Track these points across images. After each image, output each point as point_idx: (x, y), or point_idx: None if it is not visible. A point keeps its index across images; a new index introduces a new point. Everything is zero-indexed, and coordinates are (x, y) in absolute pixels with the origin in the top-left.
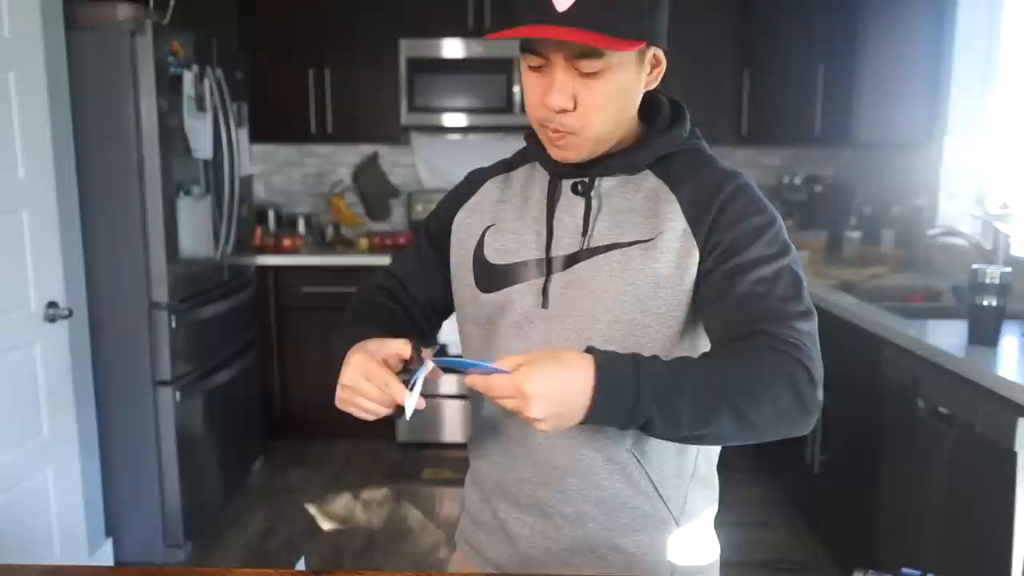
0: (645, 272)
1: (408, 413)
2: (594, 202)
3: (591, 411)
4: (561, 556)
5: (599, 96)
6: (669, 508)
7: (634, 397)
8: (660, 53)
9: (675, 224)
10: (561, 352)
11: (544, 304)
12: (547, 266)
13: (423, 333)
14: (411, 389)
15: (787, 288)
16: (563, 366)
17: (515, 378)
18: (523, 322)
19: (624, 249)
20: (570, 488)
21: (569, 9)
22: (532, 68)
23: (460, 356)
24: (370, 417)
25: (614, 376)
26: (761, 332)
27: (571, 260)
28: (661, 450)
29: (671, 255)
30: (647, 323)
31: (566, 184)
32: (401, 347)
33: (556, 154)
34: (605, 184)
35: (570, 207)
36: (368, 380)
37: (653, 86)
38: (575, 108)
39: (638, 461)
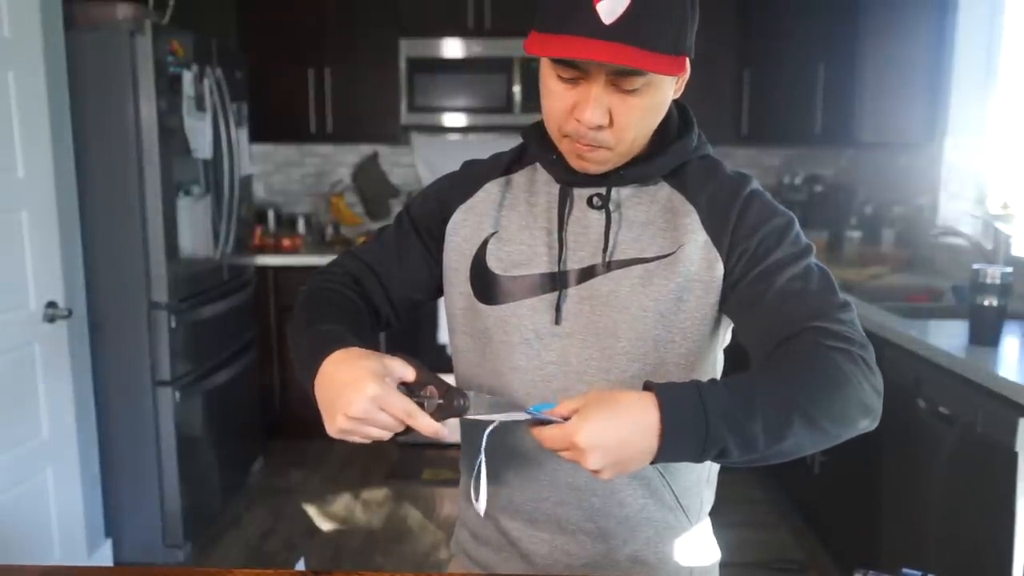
0: (668, 287)
1: (482, 506)
2: (614, 215)
3: (659, 453)
4: (581, 570)
5: (636, 112)
6: (688, 516)
7: (704, 431)
8: (687, 62)
9: (696, 236)
10: (618, 395)
11: (557, 320)
12: (560, 280)
13: (388, 326)
14: (478, 470)
15: (820, 282)
16: (619, 412)
17: (566, 429)
18: (533, 339)
19: (647, 264)
20: (593, 506)
21: (617, 22)
22: (563, 79)
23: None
24: (368, 441)
25: (680, 414)
26: (809, 329)
27: (586, 274)
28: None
29: (694, 268)
30: (671, 338)
31: (578, 194)
32: (403, 371)
33: (579, 165)
34: (620, 195)
35: (583, 218)
36: (384, 411)
37: (679, 95)
38: (610, 124)
39: (662, 475)
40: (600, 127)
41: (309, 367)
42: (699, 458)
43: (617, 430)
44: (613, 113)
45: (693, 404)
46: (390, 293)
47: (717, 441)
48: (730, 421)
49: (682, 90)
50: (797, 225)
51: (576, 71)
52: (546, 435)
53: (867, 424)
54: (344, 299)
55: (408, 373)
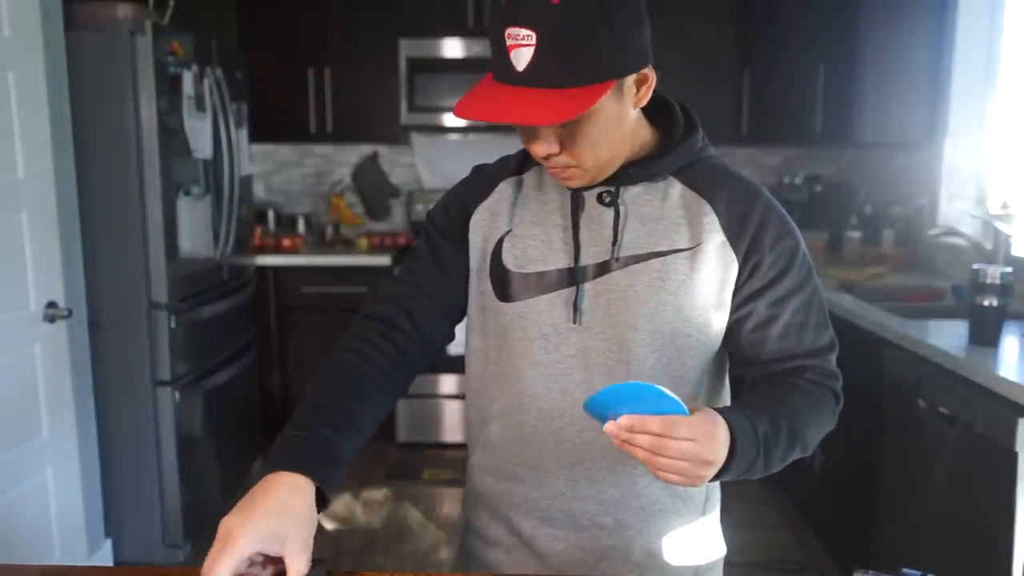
0: (687, 282)
1: None
2: (621, 210)
3: (723, 469)
4: (596, 566)
5: (583, 137)
6: (699, 508)
7: (753, 459)
8: (646, 71)
9: (714, 236)
10: (715, 415)
11: (574, 316)
12: (576, 276)
13: (447, 341)
14: None
15: (818, 315)
16: (722, 420)
17: (705, 424)
18: (551, 333)
19: (664, 258)
20: (610, 499)
21: (526, 69)
22: None
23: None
24: None
25: (744, 439)
26: (806, 368)
27: (601, 270)
28: None
29: (711, 265)
30: (688, 332)
31: (588, 192)
32: (290, 561)
33: (563, 184)
34: (629, 192)
35: (595, 216)
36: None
37: (644, 102)
38: (561, 151)
39: None
40: (551, 155)
41: (262, 468)
42: (735, 478)
43: (727, 436)
44: (563, 141)
45: (752, 439)
46: (444, 305)
47: (755, 471)
48: (767, 455)
49: (647, 97)
50: (802, 240)
51: None
52: (688, 422)
53: None
54: (360, 374)
55: (289, 571)
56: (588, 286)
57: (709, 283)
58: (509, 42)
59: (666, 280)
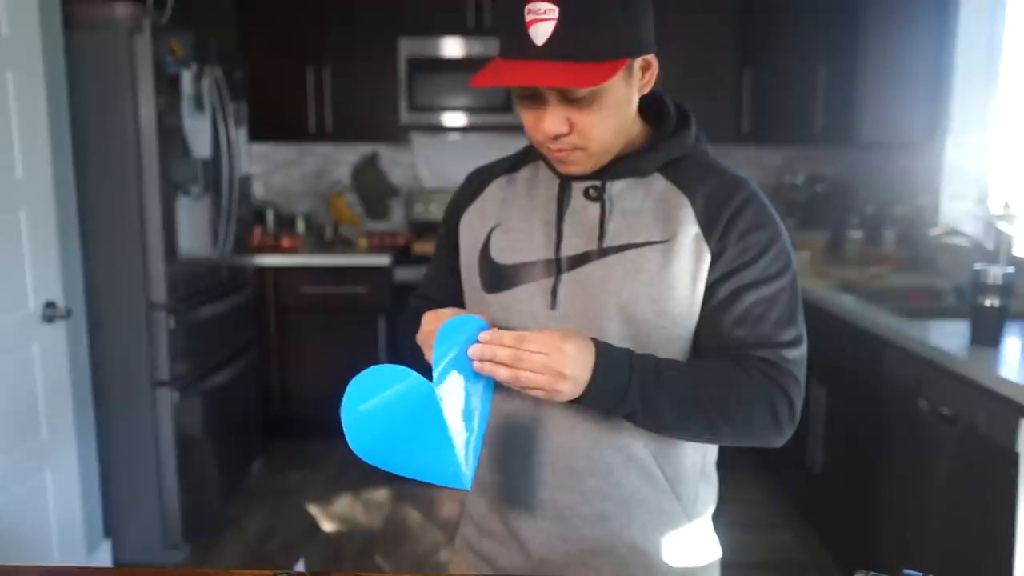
0: (660, 273)
1: None
2: (607, 205)
3: (586, 392)
4: (579, 558)
5: (592, 117)
6: (683, 505)
7: (624, 387)
8: (650, 57)
9: (688, 228)
10: (567, 330)
11: (553, 304)
12: (556, 266)
13: None
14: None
15: (783, 311)
16: (577, 337)
17: (553, 338)
18: (531, 323)
19: (639, 249)
20: (590, 488)
21: (546, 42)
22: (523, 98)
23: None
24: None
25: (611, 362)
26: (753, 357)
27: (580, 260)
28: (674, 447)
29: (685, 257)
30: (661, 324)
31: (576, 187)
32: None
33: (564, 169)
34: (615, 187)
35: (580, 208)
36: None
37: (648, 90)
38: (571, 131)
39: (654, 457)
40: (560, 135)
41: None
42: (611, 411)
43: (583, 351)
44: (572, 121)
45: (622, 363)
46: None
47: (629, 404)
48: (645, 395)
49: (651, 83)
50: (784, 239)
51: (530, 90)
52: (528, 338)
53: (769, 444)
54: None
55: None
56: (566, 276)
57: (683, 275)
58: (529, 17)
59: (640, 271)
